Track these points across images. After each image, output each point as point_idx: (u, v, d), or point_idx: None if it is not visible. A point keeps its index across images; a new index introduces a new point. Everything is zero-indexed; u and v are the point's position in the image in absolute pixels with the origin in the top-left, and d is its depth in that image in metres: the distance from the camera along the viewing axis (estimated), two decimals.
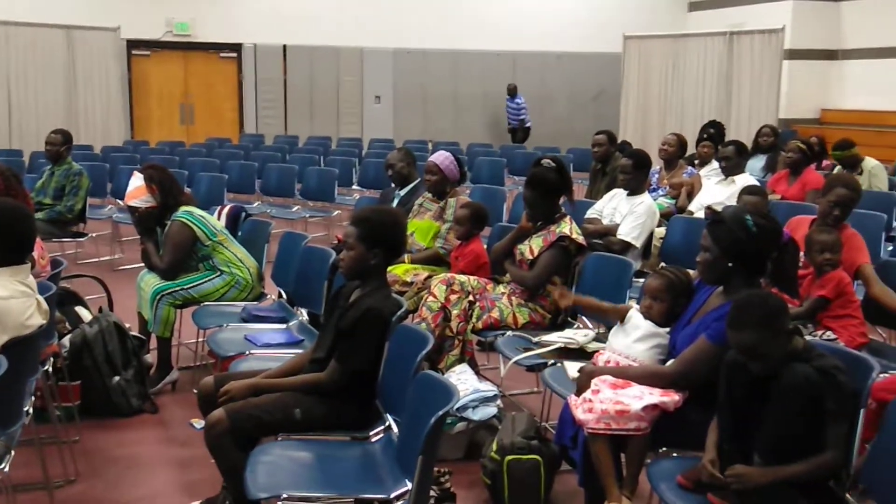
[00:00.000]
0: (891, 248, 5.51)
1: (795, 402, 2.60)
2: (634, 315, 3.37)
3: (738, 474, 2.59)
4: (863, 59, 14.03)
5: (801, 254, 4.07)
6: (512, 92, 15.53)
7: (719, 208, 3.19)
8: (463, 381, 4.01)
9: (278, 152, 11.36)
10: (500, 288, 4.58)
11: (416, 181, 5.76)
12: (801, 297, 3.97)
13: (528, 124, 15.54)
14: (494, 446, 3.49)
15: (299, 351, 3.72)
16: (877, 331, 4.46)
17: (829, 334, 3.86)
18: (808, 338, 2.91)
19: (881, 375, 3.30)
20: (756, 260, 3.03)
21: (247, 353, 3.99)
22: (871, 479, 2.59)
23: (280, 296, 5.12)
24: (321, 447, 3.03)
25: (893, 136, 11.38)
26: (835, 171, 7.60)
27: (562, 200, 4.64)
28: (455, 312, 4.31)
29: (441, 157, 5.35)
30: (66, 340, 4.34)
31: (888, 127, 12.51)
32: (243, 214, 5.54)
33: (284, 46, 15.67)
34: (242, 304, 4.79)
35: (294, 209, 9.15)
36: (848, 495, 2.67)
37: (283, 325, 4.50)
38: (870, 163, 7.45)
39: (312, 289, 4.45)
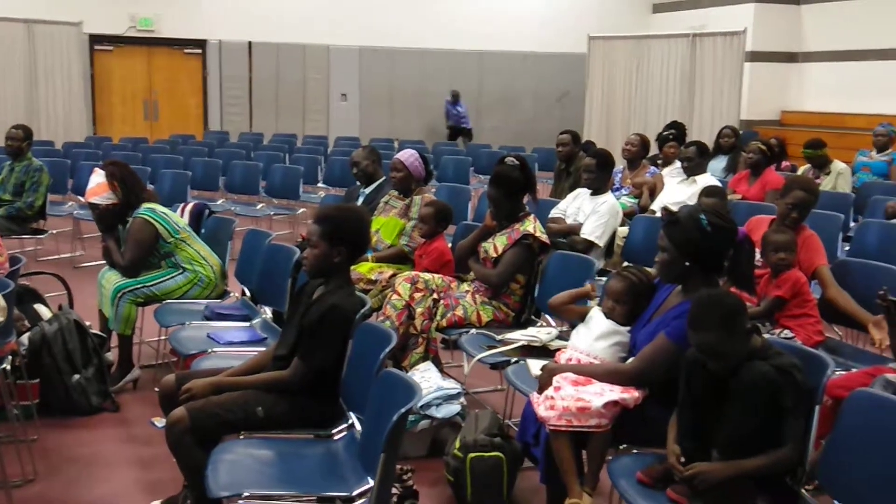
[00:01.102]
0: (847, 247, 5.60)
1: (754, 400, 2.64)
2: (596, 314, 3.40)
3: (699, 472, 2.63)
4: (822, 61, 14.26)
5: (759, 253, 4.15)
6: (455, 98, 15.56)
7: (676, 208, 3.23)
8: (427, 378, 4.02)
9: (243, 149, 11.28)
10: (465, 286, 4.59)
11: (382, 179, 5.77)
12: (758, 296, 4.05)
13: (469, 127, 15.60)
14: (457, 444, 3.50)
15: (262, 349, 3.70)
16: (833, 329, 4.54)
17: (787, 333, 3.92)
18: (766, 336, 2.96)
19: (836, 373, 3.38)
20: (712, 259, 3.08)
21: (209, 351, 3.97)
22: (826, 475, 2.64)
23: (243, 293, 5.10)
24: (283, 445, 3.03)
25: (852, 137, 11.57)
26: (801, 170, 7.73)
27: (526, 199, 4.67)
28: (419, 310, 4.32)
29: (406, 155, 5.35)
30: (25, 338, 4.28)
31: (847, 129, 12.72)
32: (207, 211, 5.50)
33: (250, 43, 15.57)
34: (205, 301, 4.76)
35: (259, 207, 9.10)
36: (803, 490, 2.72)
37: (247, 323, 4.48)
38: (838, 165, 7.58)
39: (276, 286, 4.43)
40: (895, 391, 2.94)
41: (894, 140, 8.38)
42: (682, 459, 2.71)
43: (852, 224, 6.21)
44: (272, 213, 8.99)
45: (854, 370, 3.64)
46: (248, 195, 9.48)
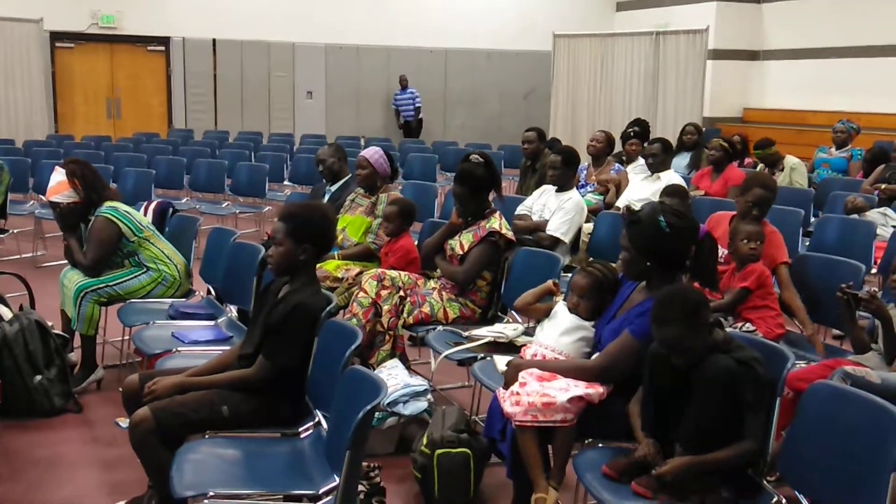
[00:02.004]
0: (808, 242, 5.69)
1: (716, 393, 2.69)
2: (561, 309, 3.43)
3: (665, 472, 2.66)
4: (783, 59, 14.45)
5: (721, 250, 4.20)
6: (402, 84, 15.53)
7: (640, 206, 3.26)
8: (394, 376, 4.02)
9: (208, 147, 11.19)
10: (431, 283, 4.60)
11: (348, 177, 5.76)
12: (721, 291, 4.11)
13: (409, 119, 15.58)
14: (425, 440, 3.51)
15: (228, 348, 3.69)
16: (794, 322, 4.61)
17: (749, 326, 3.98)
18: (727, 330, 3.01)
19: (796, 365, 3.44)
20: (672, 258, 3.11)
21: (174, 350, 3.94)
22: (786, 466, 2.69)
23: (209, 292, 5.06)
24: (249, 444, 3.01)
25: (812, 134, 11.75)
26: (759, 166, 7.83)
27: (492, 196, 4.69)
28: (386, 308, 4.32)
29: (371, 153, 5.35)
30: None
31: (807, 126, 12.91)
32: (171, 210, 5.46)
33: (214, 40, 15.43)
34: (170, 300, 4.72)
35: (224, 205, 9.03)
36: (765, 482, 2.76)
37: (212, 322, 4.46)
38: (791, 160, 7.69)
39: (241, 285, 4.41)
40: (853, 383, 3.00)
41: (853, 136, 8.51)
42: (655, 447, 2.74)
43: (812, 219, 6.30)
44: (238, 211, 8.93)
45: (814, 363, 3.70)
46: (214, 193, 9.41)
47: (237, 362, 3.26)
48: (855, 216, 5.89)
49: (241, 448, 2.97)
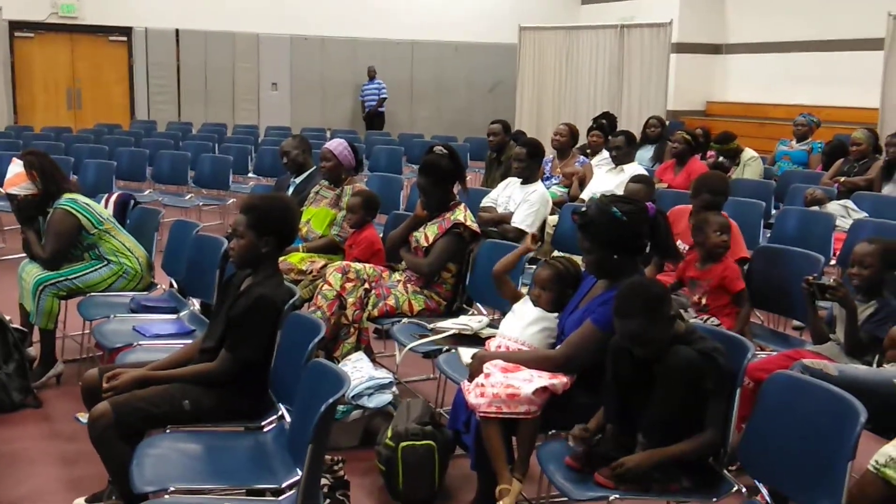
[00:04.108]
0: (769, 234, 5.75)
1: (678, 383, 2.71)
2: (524, 302, 3.44)
3: (627, 469, 2.68)
4: (745, 53, 14.60)
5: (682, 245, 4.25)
6: (371, 74, 15.49)
7: (583, 205, 3.28)
8: (358, 368, 4.01)
9: (171, 139, 11.06)
10: (396, 275, 4.59)
11: (312, 169, 5.72)
12: (682, 279, 4.17)
13: (371, 110, 15.55)
14: (389, 433, 3.51)
15: (190, 341, 3.65)
16: (755, 313, 4.67)
17: (714, 320, 4.01)
18: (692, 321, 3.04)
19: (757, 356, 3.48)
20: (634, 243, 3.14)
21: (135, 344, 3.89)
22: (746, 455, 2.72)
23: (171, 285, 5.01)
24: (211, 438, 2.99)
25: (773, 127, 11.88)
26: (718, 160, 7.90)
27: (457, 188, 4.69)
28: (351, 300, 4.31)
29: (336, 144, 5.32)
30: None
31: (768, 119, 13.05)
32: (132, 202, 5.39)
33: (177, 31, 15.24)
34: (131, 294, 4.66)
35: (187, 197, 8.94)
36: (725, 471, 2.80)
37: (174, 316, 4.41)
38: (747, 154, 7.77)
39: (204, 278, 4.37)
40: (812, 376, 3.03)
41: (814, 130, 8.62)
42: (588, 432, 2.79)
43: (773, 211, 6.37)
44: (201, 203, 8.84)
45: (774, 353, 3.75)
46: (177, 185, 9.30)
47: (199, 356, 3.23)
48: (815, 208, 5.97)
49: (203, 442, 2.95)
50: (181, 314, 4.42)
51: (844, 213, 5.79)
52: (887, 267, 3.55)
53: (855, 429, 2.29)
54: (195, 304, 4.54)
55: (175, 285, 4.94)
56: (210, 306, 4.36)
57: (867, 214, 5.75)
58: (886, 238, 3.73)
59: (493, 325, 3.97)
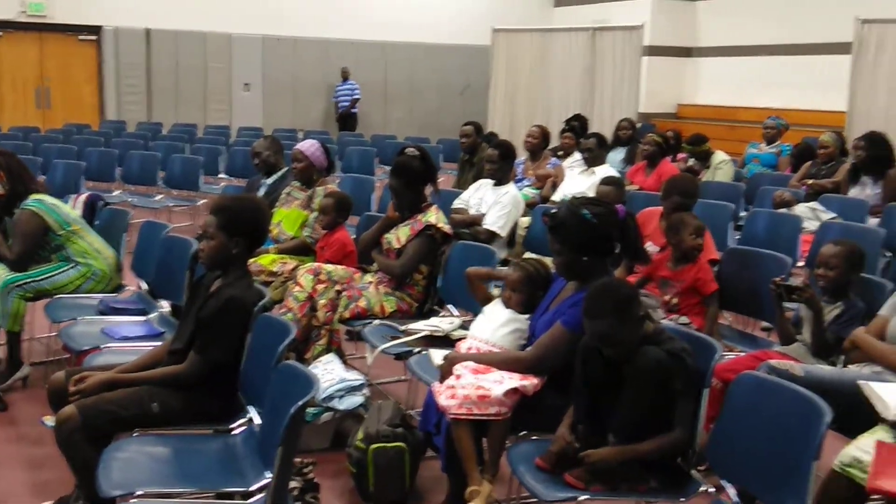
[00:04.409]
0: (738, 236, 5.81)
1: (647, 384, 2.73)
2: (496, 303, 3.45)
3: (594, 460, 2.69)
4: (716, 56, 14.74)
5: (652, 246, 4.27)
6: (345, 75, 15.47)
7: (554, 207, 3.30)
8: (329, 370, 3.99)
9: (140, 139, 10.97)
10: (368, 277, 4.58)
11: (284, 170, 5.70)
12: (652, 279, 4.20)
13: (344, 111, 15.52)
14: (360, 435, 3.50)
15: (160, 343, 3.61)
16: (722, 314, 4.70)
17: (684, 319, 4.05)
18: (663, 321, 3.06)
19: (725, 357, 3.51)
20: (605, 244, 3.16)
21: (103, 346, 3.85)
22: (714, 455, 2.75)
23: (140, 287, 4.96)
24: (180, 441, 2.97)
25: (743, 130, 12.01)
26: (690, 161, 7.97)
27: (429, 190, 4.69)
28: (322, 302, 4.29)
29: (308, 145, 5.30)
30: None
31: (738, 122, 13.19)
32: (101, 203, 5.33)
33: (148, 30, 15.12)
34: (99, 295, 4.61)
35: (157, 198, 8.86)
36: (693, 471, 2.82)
37: (143, 318, 4.37)
38: (717, 157, 7.84)
39: (174, 279, 4.33)
40: (778, 377, 3.06)
41: (783, 133, 8.72)
42: (577, 445, 2.78)
43: (743, 213, 6.43)
44: (171, 204, 8.77)
45: (742, 354, 3.78)
46: (147, 186, 9.22)
47: (168, 358, 3.21)
48: (783, 210, 6.03)
49: (171, 445, 2.92)
50: (150, 316, 4.38)
51: (812, 216, 5.85)
52: (852, 269, 3.60)
53: (820, 429, 2.31)
54: (164, 305, 4.50)
55: (144, 287, 4.89)
56: (180, 308, 4.32)
57: (835, 215, 5.82)
58: (852, 240, 3.78)
59: (465, 326, 3.96)
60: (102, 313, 4.40)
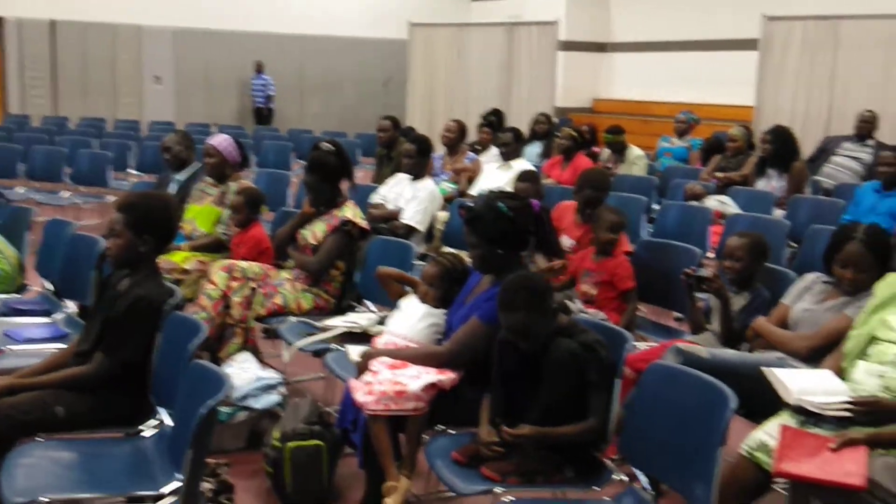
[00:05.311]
0: (651, 228, 5.93)
1: (562, 375, 2.77)
2: (412, 298, 3.44)
3: (515, 437, 2.71)
4: (629, 52, 15.02)
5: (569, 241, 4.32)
6: (259, 69, 15.28)
7: (471, 200, 3.32)
8: (245, 369, 3.93)
9: (45, 134, 10.60)
10: (284, 274, 4.52)
11: (196, 165, 5.58)
12: (573, 277, 4.25)
13: (261, 105, 15.35)
14: (276, 434, 3.45)
15: (65, 345, 3.49)
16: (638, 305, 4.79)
17: (601, 315, 4.10)
18: (580, 314, 3.10)
19: (638, 347, 3.58)
20: (520, 238, 3.19)
21: (4, 349, 3.70)
22: (625, 444, 2.80)
23: (45, 287, 4.79)
24: (88, 446, 2.88)
25: (656, 124, 12.26)
26: (605, 154, 8.10)
27: (346, 185, 4.65)
28: (236, 300, 4.21)
29: (220, 140, 5.20)
30: None
31: (651, 116, 13.46)
32: (2, 200, 5.14)
33: (53, 21, 14.61)
34: (1, 297, 4.43)
35: (64, 195, 8.57)
36: (607, 461, 2.86)
37: (48, 319, 4.22)
38: (633, 152, 8.00)
39: (80, 279, 4.20)
40: (685, 359, 3.14)
41: (693, 127, 8.94)
42: (496, 440, 2.79)
43: (655, 206, 6.57)
44: (79, 201, 8.49)
45: (655, 344, 3.86)
46: (52, 182, 8.92)
47: (74, 360, 3.10)
48: (694, 203, 6.18)
49: (78, 450, 2.83)
50: (55, 317, 4.24)
51: (721, 208, 6.01)
52: (758, 259, 3.71)
53: (725, 415, 2.37)
54: (71, 306, 4.36)
55: (49, 287, 4.73)
56: (87, 309, 4.19)
57: (739, 210, 5.98)
58: (756, 232, 3.90)
59: (383, 322, 3.94)
60: (4, 315, 4.23)
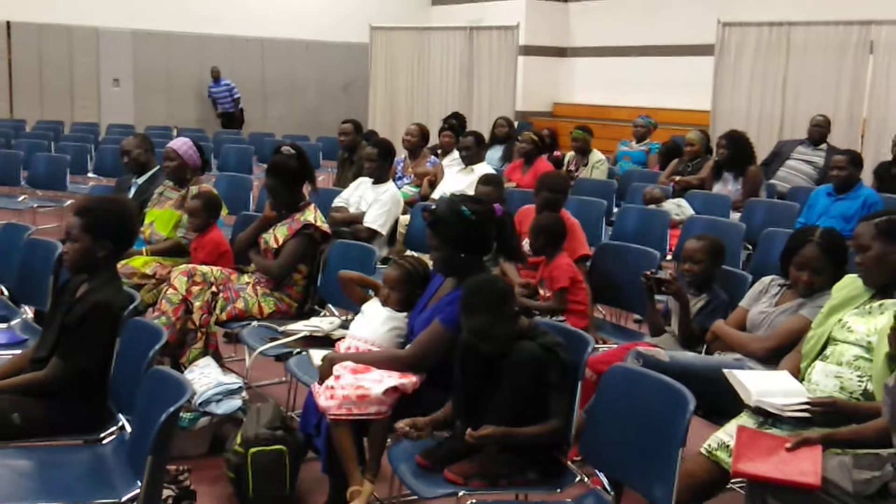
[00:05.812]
0: (610, 232, 5.98)
1: (523, 377, 2.78)
2: (374, 302, 3.45)
3: (479, 437, 2.72)
4: (588, 56, 15.15)
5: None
6: (214, 76, 15.17)
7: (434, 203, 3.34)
8: (206, 374, 3.90)
9: (2, 137, 10.43)
10: (245, 278, 4.49)
11: (156, 168, 5.53)
12: (539, 280, 4.28)
13: (228, 110, 15.24)
14: (238, 439, 3.42)
15: (21, 351, 3.44)
16: (597, 308, 4.84)
17: (560, 318, 4.14)
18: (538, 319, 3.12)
19: (599, 349, 3.62)
20: (482, 241, 3.22)
21: None
22: (588, 446, 2.82)
23: (0, 293, 4.71)
24: (45, 454, 2.84)
25: (615, 128, 12.36)
26: (568, 156, 8.16)
27: (309, 189, 4.64)
28: (197, 304, 4.18)
29: (179, 143, 5.16)
30: None
31: (611, 120, 13.58)
32: None
33: (8, 23, 14.36)
34: None
35: (20, 199, 8.44)
36: (569, 462, 2.89)
37: (4, 325, 4.15)
38: (595, 156, 8.06)
39: (37, 284, 4.13)
40: (645, 362, 3.18)
41: (651, 131, 9.04)
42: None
43: (615, 209, 6.63)
44: (36, 205, 8.37)
45: (615, 346, 3.90)
46: (9, 186, 8.77)
47: (30, 366, 3.06)
48: (652, 206, 6.25)
49: (35, 458, 2.79)
50: (12, 323, 4.17)
51: (678, 211, 6.09)
52: (715, 262, 3.77)
53: (685, 417, 2.41)
54: (28, 311, 4.30)
55: (5, 292, 4.66)
56: (44, 314, 4.13)
57: (694, 213, 6.06)
58: (713, 235, 3.96)
59: (346, 326, 3.94)
60: None
